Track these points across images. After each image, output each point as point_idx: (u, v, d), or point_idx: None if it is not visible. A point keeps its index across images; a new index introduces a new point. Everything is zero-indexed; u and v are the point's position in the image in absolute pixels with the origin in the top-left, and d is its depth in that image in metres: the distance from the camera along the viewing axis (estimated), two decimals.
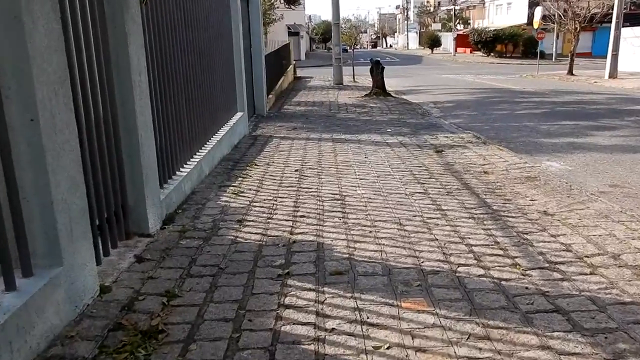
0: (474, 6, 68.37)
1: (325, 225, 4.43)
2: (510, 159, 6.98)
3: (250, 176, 6.23)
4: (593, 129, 9.95)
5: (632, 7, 43.54)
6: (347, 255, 3.77)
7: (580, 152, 7.87)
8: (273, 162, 7.00)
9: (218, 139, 6.97)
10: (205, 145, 6.43)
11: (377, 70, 16.27)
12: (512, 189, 5.46)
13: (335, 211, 4.82)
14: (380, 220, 4.52)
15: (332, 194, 5.41)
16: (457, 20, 61.84)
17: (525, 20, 49.61)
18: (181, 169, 5.36)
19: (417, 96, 17.23)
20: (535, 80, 25.04)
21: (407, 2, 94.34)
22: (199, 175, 5.81)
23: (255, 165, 6.83)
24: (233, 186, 5.76)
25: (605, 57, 43.53)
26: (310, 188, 5.65)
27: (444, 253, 3.78)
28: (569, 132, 9.67)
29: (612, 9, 26.81)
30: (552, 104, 14.17)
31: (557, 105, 13.70)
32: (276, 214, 4.79)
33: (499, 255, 3.74)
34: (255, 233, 4.29)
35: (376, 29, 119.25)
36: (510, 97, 16.33)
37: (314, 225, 4.46)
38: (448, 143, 8.33)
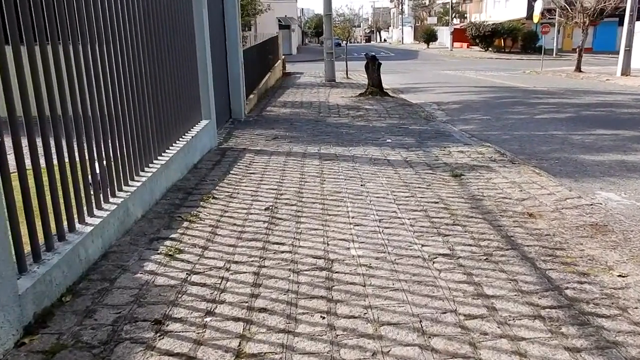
0: (471, 0, 66.61)
1: (298, 335, 2.65)
2: (555, 190, 5.21)
3: (201, 219, 4.43)
4: (639, 140, 8.21)
5: None
6: None
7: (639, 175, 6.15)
8: (238, 193, 5.20)
9: (164, 162, 5.17)
10: (139, 176, 4.62)
11: (373, 66, 14.46)
12: (579, 248, 3.69)
13: (317, 297, 3.04)
14: (389, 324, 2.74)
15: (314, 256, 3.62)
16: (454, 14, 59.99)
17: (524, 14, 47.90)
18: (84, 222, 3.55)
19: (417, 95, 15.47)
20: (541, 77, 23.31)
21: None
22: (122, 222, 4.01)
23: (214, 198, 5.03)
24: (171, 239, 3.97)
25: (608, 53, 42.29)
26: (283, 243, 3.86)
27: None
28: (612, 145, 7.91)
29: (624, 2, 25.14)
30: (574, 106, 12.41)
31: (581, 109, 11.94)
32: (222, 302, 3.01)
33: None
34: (177, 355, 2.51)
35: (370, 23, 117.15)
36: (523, 97, 14.57)
37: (280, 332, 2.68)
38: (465, 162, 6.55)
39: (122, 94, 4.33)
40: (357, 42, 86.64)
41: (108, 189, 3.99)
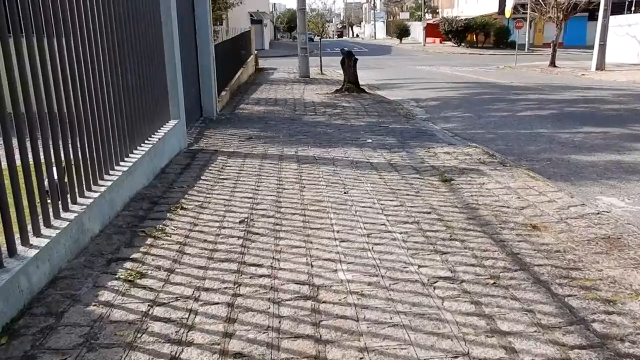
0: None
1: None
2: (555, 197, 4.82)
3: (168, 234, 3.91)
4: (631, 139, 7.91)
5: None
6: None
7: None
8: (209, 203, 4.69)
9: (127, 168, 4.63)
10: (97, 185, 4.08)
11: (349, 62, 14.00)
12: (596, 268, 3.29)
13: (303, 337, 2.56)
14: None
15: (297, 281, 3.15)
16: (426, 10, 59.94)
17: (496, 10, 48.01)
18: (29, 243, 3.01)
19: (394, 92, 15.09)
20: (516, 73, 23.17)
21: None
22: (76, 241, 3.48)
23: (182, 209, 4.51)
24: (132, 260, 3.45)
25: (578, 47, 42.64)
26: (260, 265, 3.38)
27: None
28: (603, 144, 7.59)
29: None
30: (555, 102, 12.13)
31: (563, 105, 11.66)
32: (190, 343, 2.52)
33: None
34: None
35: (342, 18, 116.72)
36: (502, 93, 14.28)
37: None
38: (454, 164, 6.15)
39: (78, 90, 3.79)
40: (330, 38, 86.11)
41: (59, 203, 3.45)
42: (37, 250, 2.94)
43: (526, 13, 34.88)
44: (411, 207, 4.55)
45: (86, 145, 3.94)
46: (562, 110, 10.87)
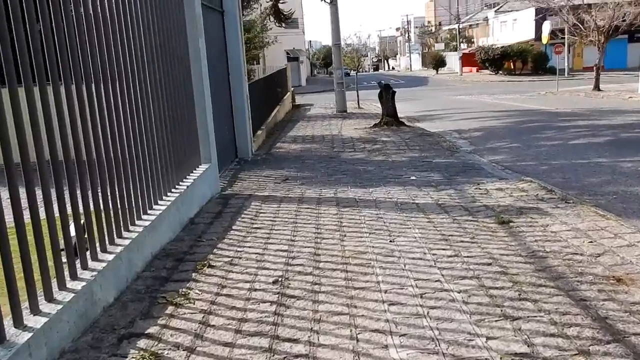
0: (477, 24, 66.17)
1: None
2: (635, 239, 4.16)
3: (191, 301, 3.44)
4: None
5: None
6: None
7: None
8: (240, 258, 4.22)
9: (149, 223, 4.21)
10: (113, 245, 3.67)
11: (387, 95, 13.57)
12: None
13: None
14: None
15: None
16: (461, 39, 59.45)
17: (532, 36, 47.26)
18: (22, 325, 2.58)
19: (435, 123, 14.55)
20: (559, 98, 22.34)
21: (407, 24, 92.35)
22: (83, 315, 3.04)
23: (209, 267, 4.05)
24: (147, 336, 2.98)
25: (619, 70, 41.25)
26: (296, 340, 2.86)
27: None
28: None
29: (637, 19, 24.24)
30: (608, 128, 11.37)
31: (618, 130, 10.91)
32: None
33: None
34: None
35: (377, 51, 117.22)
36: (548, 120, 13.57)
37: None
38: (509, 202, 5.54)
39: (99, 134, 3.42)
40: (366, 71, 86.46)
41: (65, 272, 3.04)
42: (30, 334, 2.49)
43: (563, 38, 34.02)
44: (468, 257, 3.97)
45: (101, 198, 3.55)
46: (617, 137, 10.11)
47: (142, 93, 4.47)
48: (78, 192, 3.27)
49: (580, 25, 26.77)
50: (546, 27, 30.86)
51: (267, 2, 13.54)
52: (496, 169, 7.72)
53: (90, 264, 3.31)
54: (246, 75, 9.86)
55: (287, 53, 48.88)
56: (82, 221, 3.26)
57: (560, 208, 5.21)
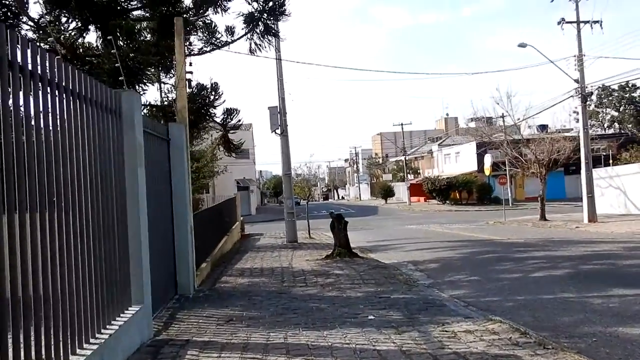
0: (422, 156, 69.13)
1: None
2: None
3: None
4: None
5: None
6: None
7: None
8: None
9: None
10: None
11: (339, 225, 13.16)
12: None
13: None
14: None
15: None
16: (408, 170, 61.56)
17: (475, 167, 49.39)
18: None
19: (388, 254, 14.13)
20: (509, 228, 22.62)
21: (356, 155, 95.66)
22: None
23: None
24: None
25: (559, 200, 42.98)
26: None
27: None
28: None
29: (576, 153, 25.57)
30: (566, 259, 11.15)
31: (576, 262, 10.68)
32: None
33: None
34: None
35: (327, 181, 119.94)
36: (504, 251, 13.36)
37: None
38: (482, 349, 4.92)
39: None
40: (316, 201, 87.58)
41: None
42: None
43: (505, 170, 35.53)
44: None
45: None
46: (577, 269, 9.84)
47: (52, 223, 3.81)
48: None
49: (521, 158, 28.02)
50: (488, 160, 32.25)
51: (218, 132, 13.48)
52: (459, 306, 7.17)
53: None
54: (191, 205, 9.29)
55: (238, 182, 49.13)
56: None
57: (540, 355, 4.62)
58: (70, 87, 4.23)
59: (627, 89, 63.56)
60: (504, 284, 8.76)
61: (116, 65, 7.28)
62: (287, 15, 11.94)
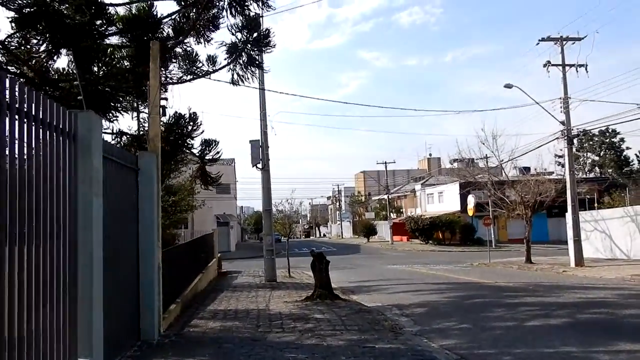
0: (405, 195, 68.79)
1: None
2: None
3: None
4: None
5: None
6: None
7: None
8: None
9: None
10: None
11: (320, 265, 12.40)
12: None
13: None
14: None
15: None
16: (390, 209, 61.02)
17: (458, 208, 49.02)
18: None
19: (372, 296, 13.38)
20: (494, 270, 21.99)
21: (338, 193, 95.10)
22: None
23: None
24: None
25: (542, 243, 42.60)
26: None
27: None
28: None
29: (561, 195, 25.23)
30: (560, 307, 10.47)
31: (572, 310, 10.01)
32: None
33: None
34: None
35: (309, 218, 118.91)
36: (493, 296, 12.67)
37: None
38: None
39: None
40: (297, 238, 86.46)
41: None
42: None
43: (489, 210, 35.15)
44: None
45: None
46: (575, 318, 9.18)
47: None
48: None
49: (507, 200, 27.63)
50: (471, 200, 31.79)
51: (196, 164, 12.88)
52: (451, 359, 6.45)
53: None
54: (159, 241, 8.51)
55: (218, 218, 48.13)
56: None
57: None
58: None
59: (607, 134, 64.44)
60: (498, 334, 8.06)
61: (75, 83, 6.60)
62: (271, 47, 11.46)
